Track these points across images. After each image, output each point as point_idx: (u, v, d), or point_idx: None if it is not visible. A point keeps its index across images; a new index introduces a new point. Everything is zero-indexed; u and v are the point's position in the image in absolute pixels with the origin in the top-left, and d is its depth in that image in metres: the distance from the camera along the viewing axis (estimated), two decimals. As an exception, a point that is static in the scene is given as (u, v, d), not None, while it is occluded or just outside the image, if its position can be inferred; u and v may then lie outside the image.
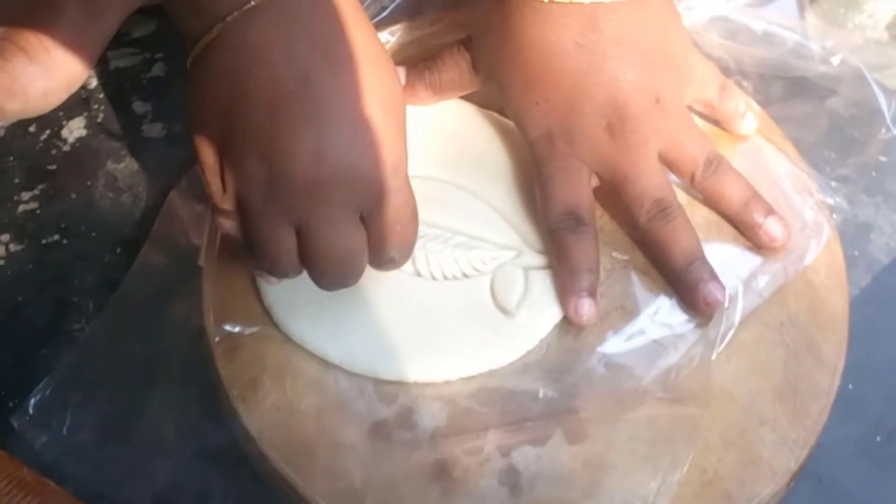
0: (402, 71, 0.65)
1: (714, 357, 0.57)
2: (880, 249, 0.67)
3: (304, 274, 0.57)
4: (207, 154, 0.54)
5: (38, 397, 0.60)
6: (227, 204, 0.54)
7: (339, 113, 0.52)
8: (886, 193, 0.69)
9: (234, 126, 0.52)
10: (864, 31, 0.73)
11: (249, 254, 0.56)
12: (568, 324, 0.60)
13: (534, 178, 0.62)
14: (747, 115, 0.65)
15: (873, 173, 0.69)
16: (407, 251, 0.58)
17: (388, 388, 0.58)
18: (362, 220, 0.55)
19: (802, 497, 0.58)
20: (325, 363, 0.59)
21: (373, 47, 0.55)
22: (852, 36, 0.71)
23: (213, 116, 0.53)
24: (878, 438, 0.61)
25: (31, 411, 0.60)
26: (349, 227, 0.54)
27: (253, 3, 0.52)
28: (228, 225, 0.55)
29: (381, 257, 0.57)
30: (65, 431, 0.59)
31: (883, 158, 0.70)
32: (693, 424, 0.56)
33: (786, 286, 0.60)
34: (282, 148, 0.52)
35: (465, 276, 0.61)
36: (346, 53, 0.53)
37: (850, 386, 0.60)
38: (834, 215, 0.64)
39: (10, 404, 0.63)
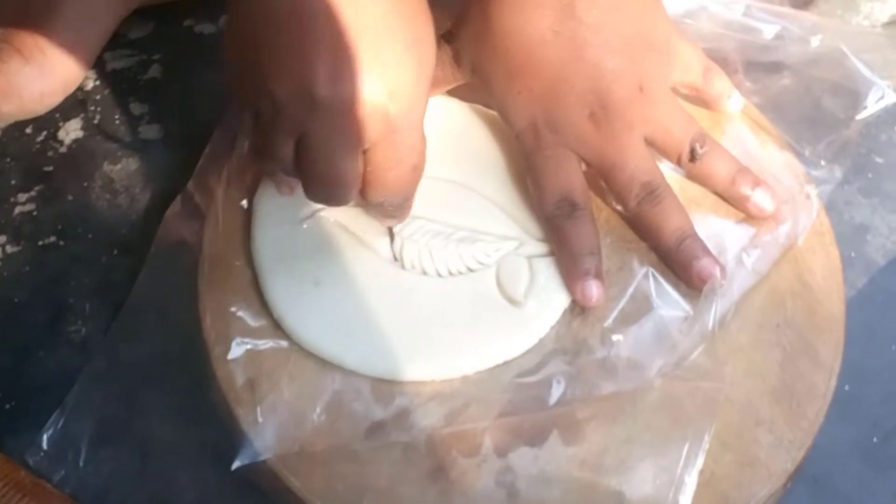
0: None
1: (717, 335, 0.58)
2: (877, 251, 0.67)
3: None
4: (236, 67, 0.55)
5: (50, 432, 0.60)
6: (246, 108, 0.55)
7: (360, 42, 0.52)
8: (883, 195, 0.69)
9: (257, 37, 0.53)
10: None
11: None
12: (574, 310, 0.60)
13: (524, 168, 0.63)
14: (733, 94, 0.66)
15: (869, 174, 0.69)
16: (399, 201, 0.58)
17: (384, 389, 0.58)
18: (364, 153, 0.55)
19: (799, 498, 0.58)
20: (322, 365, 0.59)
21: None
22: (830, 20, 0.72)
23: (241, 31, 0.54)
24: (875, 439, 0.61)
25: (44, 446, 0.59)
26: (345, 155, 0.54)
27: None
28: (240, 126, 0.58)
29: (373, 197, 0.57)
30: (81, 464, 0.59)
31: (879, 160, 0.70)
32: (711, 399, 0.56)
33: (782, 288, 0.61)
34: (296, 64, 0.52)
35: (470, 270, 0.61)
36: None
37: (847, 387, 0.60)
38: (819, 188, 0.64)
39: (7, 406, 0.63)
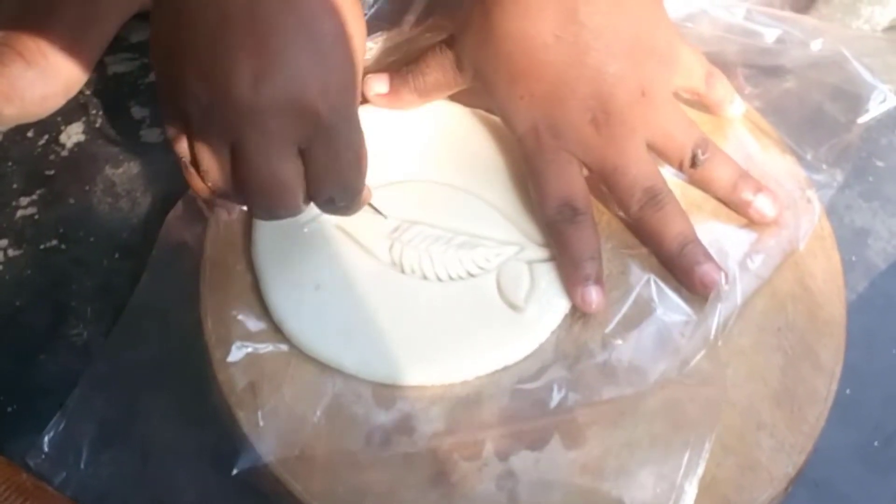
0: (386, 77, 0.66)
1: (719, 340, 0.58)
2: (878, 255, 0.67)
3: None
4: (161, 78, 0.53)
5: (51, 434, 0.60)
6: (174, 119, 0.54)
7: (285, 40, 0.51)
8: (884, 199, 0.69)
9: (181, 42, 0.51)
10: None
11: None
12: (574, 315, 0.60)
13: (526, 173, 0.63)
14: (735, 99, 0.66)
15: (870, 178, 0.69)
16: (349, 195, 0.57)
17: (385, 393, 0.58)
18: (302, 154, 0.54)
19: (800, 502, 0.58)
20: (323, 368, 0.59)
21: None
22: (831, 23, 0.72)
23: (164, 36, 0.53)
24: (876, 443, 0.61)
25: (45, 449, 0.59)
26: (282, 157, 0.53)
27: None
28: (175, 143, 0.55)
29: (319, 196, 0.56)
30: (82, 466, 0.59)
31: (880, 164, 0.70)
32: (713, 405, 0.56)
33: (783, 292, 0.61)
34: (222, 68, 0.51)
35: (471, 275, 0.61)
36: None
37: (848, 391, 0.60)
38: (820, 192, 0.64)
39: (9, 409, 0.63)
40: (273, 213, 0.56)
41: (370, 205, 0.61)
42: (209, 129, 0.52)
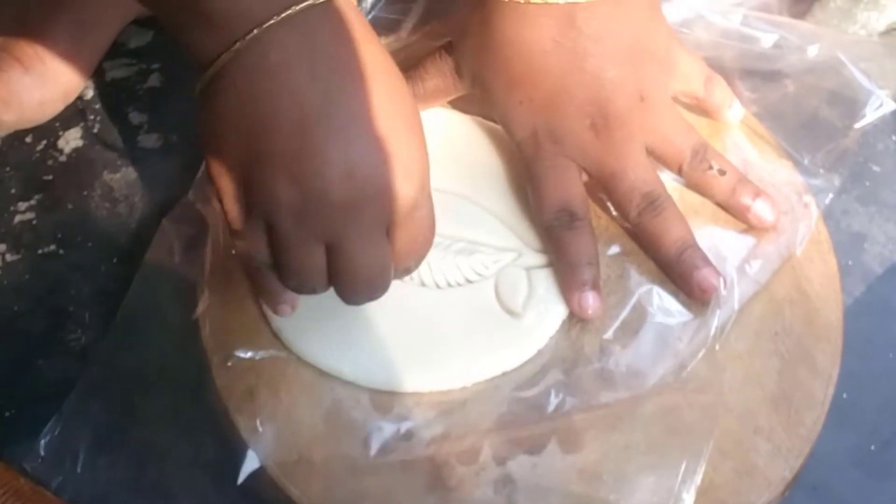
0: None
1: (717, 345, 0.58)
2: (874, 259, 0.67)
3: (315, 298, 0.58)
4: (226, 180, 0.52)
5: (48, 438, 0.60)
6: (250, 229, 0.53)
7: (364, 129, 0.51)
8: (880, 203, 0.69)
9: (259, 150, 0.50)
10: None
11: (266, 278, 0.57)
12: (572, 320, 0.60)
13: (524, 179, 0.63)
14: (734, 104, 0.66)
15: (867, 183, 0.70)
16: (422, 259, 0.57)
17: (383, 398, 0.58)
18: (388, 234, 0.54)
19: (797, 506, 0.58)
20: (321, 373, 0.59)
21: (385, 61, 0.53)
22: (828, 29, 0.72)
23: (234, 140, 0.51)
24: (873, 447, 0.61)
25: (42, 453, 0.59)
26: (379, 243, 0.53)
27: (274, 20, 0.49)
28: (253, 248, 0.53)
29: (400, 268, 0.56)
30: (79, 469, 0.59)
31: (877, 168, 0.70)
32: (710, 411, 0.56)
33: (780, 296, 0.61)
34: (312, 169, 0.50)
35: (469, 281, 0.61)
36: (363, 69, 0.51)
37: (845, 395, 0.60)
38: (816, 197, 0.64)
39: (7, 414, 0.63)
40: (370, 298, 0.56)
41: None
42: (304, 231, 0.52)
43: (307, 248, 0.52)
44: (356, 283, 0.54)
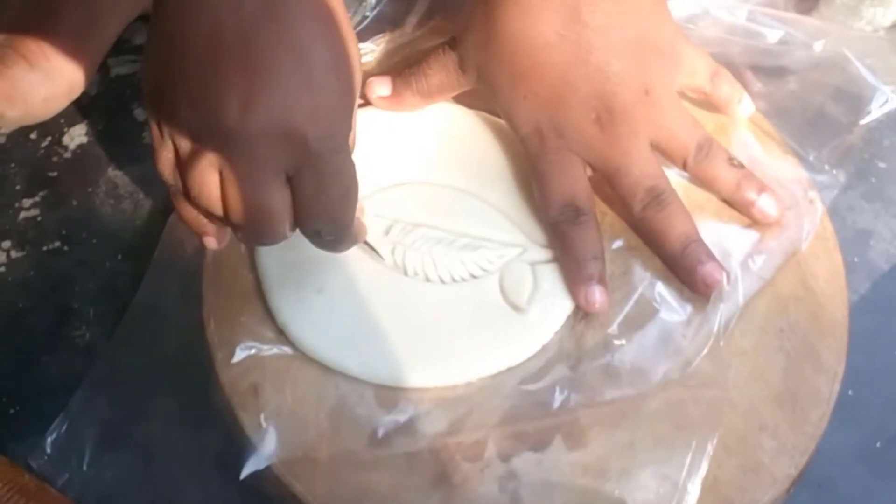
0: (388, 80, 0.66)
1: (722, 342, 0.58)
2: (880, 256, 0.67)
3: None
4: (147, 101, 0.53)
5: (54, 435, 0.60)
6: (159, 149, 0.53)
7: (275, 67, 0.50)
8: (886, 200, 0.69)
9: (172, 73, 0.51)
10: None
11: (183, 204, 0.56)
12: (577, 315, 0.60)
13: (529, 174, 0.63)
14: (743, 98, 0.65)
15: (872, 179, 0.69)
16: (338, 229, 0.55)
17: (387, 394, 0.58)
18: (290, 182, 0.53)
19: (803, 503, 0.58)
20: (325, 370, 0.59)
21: (329, 9, 0.52)
22: (834, 25, 0.72)
23: (155, 65, 0.52)
24: (878, 444, 0.61)
25: (48, 450, 0.59)
26: (268, 186, 0.52)
27: None
28: (160, 168, 0.54)
29: (305, 226, 0.54)
30: (85, 467, 0.59)
31: (882, 165, 0.70)
32: (715, 407, 0.56)
33: (785, 293, 0.61)
34: (212, 96, 0.50)
35: (474, 276, 0.61)
36: (298, 12, 0.50)
37: (850, 392, 0.60)
38: (822, 193, 0.64)
39: (11, 411, 0.63)
40: (258, 240, 0.55)
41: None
42: (199, 157, 0.51)
43: (204, 173, 0.52)
44: (239, 219, 0.53)
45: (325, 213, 0.54)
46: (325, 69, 0.51)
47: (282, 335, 0.60)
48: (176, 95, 0.51)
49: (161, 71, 0.52)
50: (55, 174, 0.73)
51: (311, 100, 0.51)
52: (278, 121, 0.50)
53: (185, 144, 0.52)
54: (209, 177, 0.52)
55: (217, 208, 0.53)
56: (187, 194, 0.54)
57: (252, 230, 0.54)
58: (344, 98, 0.53)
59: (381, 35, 0.69)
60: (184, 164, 0.52)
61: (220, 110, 0.50)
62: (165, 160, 0.53)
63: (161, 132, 0.53)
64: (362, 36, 0.68)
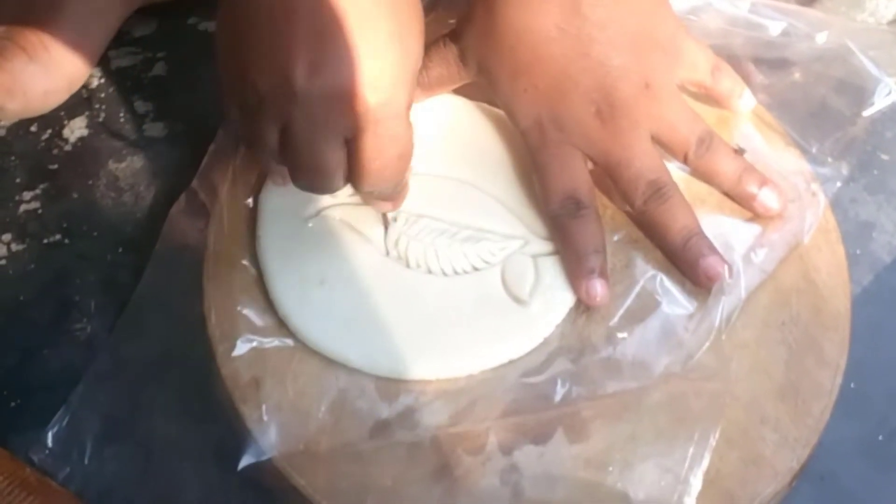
0: None
1: (723, 335, 0.58)
2: (882, 248, 0.67)
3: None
4: (224, 64, 0.56)
5: (55, 429, 0.60)
6: (229, 107, 0.57)
7: (343, 34, 0.53)
8: (889, 192, 0.69)
9: (245, 37, 0.54)
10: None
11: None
12: (579, 308, 0.60)
13: (530, 167, 0.63)
14: (744, 93, 0.65)
15: (875, 171, 0.69)
16: (389, 189, 0.59)
17: (389, 387, 0.58)
18: (348, 144, 0.55)
19: (804, 496, 0.58)
20: (326, 363, 0.59)
21: None
22: (836, 17, 0.72)
23: (230, 29, 0.55)
24: (881, 437, 0.61)
25: (49, 444, 0.60)
26: (326, 146, 0.55)
27: None
28: (228, 123, 0.59)
29: (359, 187, 0.58)
30: (86, 461, 0.59)
31: (885, 157, 0.70)
32: (717, 399, 0.56)
33: (787, 286, 0.60)
34: (282, 60, 0.53)
35: (475, 269, 0.61)
36: None
37: (853, 385, 0.60)
38: (824, 186, 0.64)
39: (13, 404, 0.63)
40: (311, 190, 0.58)
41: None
42: (262, 111, 0.54)
43: (264, 126, 0.55)
44: (295, 171, 0.57)
45: (380, 176, 0.57)
46: (390, 37, 0.54)
47: (283, 328, 0.60)
48: (249, 60, 0.54)
49: (235, 35, 0.55)
50: (56, 167, 0.73)
51: (375, 67, 0.53)
52: (342, 86, 0.53)
53: (251, 99, 0.54)
54: (268, 131, 0.55)
55: (272, 161, 0.57)
56: (248, 143, 0.58)
57: (306, 182, 0.57)
58: (404, 65, 0.55)
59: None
60: (248, 117, 0.55)
61: (287, 72, 0.53)
62: (233, 110, 0.57)
63: (232, 86, 0.56)
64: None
